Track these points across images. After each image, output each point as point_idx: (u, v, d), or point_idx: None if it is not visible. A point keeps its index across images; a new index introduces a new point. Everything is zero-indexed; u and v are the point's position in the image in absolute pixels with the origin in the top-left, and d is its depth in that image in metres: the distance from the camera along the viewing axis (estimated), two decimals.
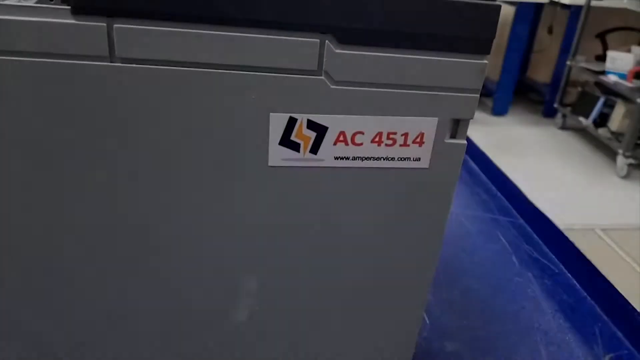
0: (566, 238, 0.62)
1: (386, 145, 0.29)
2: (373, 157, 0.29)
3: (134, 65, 0.25)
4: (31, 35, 0.23)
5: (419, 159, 0.29)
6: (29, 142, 0.26)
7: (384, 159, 0.29)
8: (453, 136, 0.29)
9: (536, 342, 0.50)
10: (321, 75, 0.26)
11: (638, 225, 2.08)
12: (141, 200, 0.28)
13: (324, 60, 0.26)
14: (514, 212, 0.71)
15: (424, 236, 0.32)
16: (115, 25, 0.24)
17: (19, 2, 0.26)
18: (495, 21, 0.26)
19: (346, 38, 0.26)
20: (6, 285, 0.29)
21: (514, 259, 0.62)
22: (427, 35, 0.26)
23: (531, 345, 0.50)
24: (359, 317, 0.35)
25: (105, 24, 0.24)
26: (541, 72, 3.13)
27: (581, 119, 2.64)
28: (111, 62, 0.25)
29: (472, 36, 0.27)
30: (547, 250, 0.64)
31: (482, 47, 0.27)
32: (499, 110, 2.98)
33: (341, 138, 0.28)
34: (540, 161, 2.55)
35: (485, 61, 0.27)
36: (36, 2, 0.26)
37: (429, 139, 0.29)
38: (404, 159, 0.29)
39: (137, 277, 0.30)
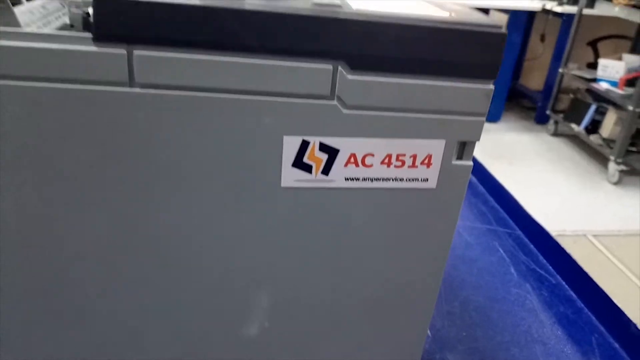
0: (563, 250, 0.63)
1: (395, 166, 0.29)
2: (382, 178, 0.30)
3: (153, 90, 0.25)
4: (54, 63, 0.24)
5: (427, 179, 0.30)
6: (48, 163, 0.26)
7: (392, 180, 0.30)
8: (459, 157, 0.30)
9: (535, 353, 0.51)
10: (334, 100, 0.27)
11: (629, 231, 2.11)
12: (157, 219, 0.28)
13: (337, 85, 0.27)
14: (512, 223, 0.72)
15: (430, 254, 0.33)
16: (135, 53, 0.24)
17: (39, 28, 0.27)
18: (501, 48, 0.27)
19: (358, 65, 0.26)
20: (17, 299, 0.30)
21: (512, 270, 0.63)
22: (435, 62, 0.27)
23: (531, 357, 0.50)
24: (365, 331, 0.35)
25: (125, 51, 0.24)
26: (533, 79, 3.17)
27: (573, 125, 2.67)
28: (130, 87, 0.25)
29: (479, 62, 0.28)
30: (544, 261, 0.65)
31: (488, 73, 0.28)
32: (491, 117, 3.01)
33: (352, 160, 0.29)
34: (532, 167, 2.58)
35: (491, 86, 0.28)
36: (57, 28, 0.26)
37: (437, 160, 0.30)
38: (412, 179, 0.30)
39: (151, 293, 0.31)
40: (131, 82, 0.25)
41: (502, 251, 0.67)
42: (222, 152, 0.27)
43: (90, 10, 0.28)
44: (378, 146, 0.29)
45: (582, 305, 0.58)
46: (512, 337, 0.53)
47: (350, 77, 0.27)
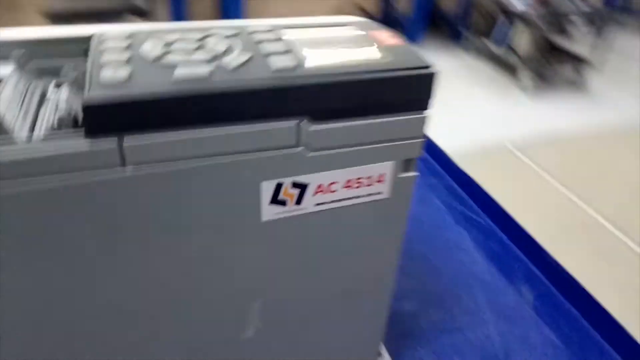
0: (488, 194, 0.73)
1: (355, 187, 0.35)
2: (345, 198, 0.35)
3: (144, 165, 0.29)
4: (49, 164, 0.26)
5: (381, 192, 0.36)
6: (45, 245, 0.29)
7: (354, 198, 0.36)
8: (406, 170, 0.36)
9: (476, 290, 0.61)
10: (300, 147, 0.32)
11: (547, 139, 2.32)
12: (161, 267, 0.33)
13: (301, 136, 0.31)
14: (444, 173, 0.81)
15: (388, 248, 0.39)
16: (125, 143, 0.27)
17: (22, 118, 0.29)
18: (431, 85, 0.33)
19: (318, 117, 0.31)
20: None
21: (448, 218, 0.73)
22: (381, 104, 0.32)
23: (473, 294, 0.61)
24: (337, 322, 0.42)
25: (116, 140, 0.27)
26: (450, 2, 3.24)
27: (489, 44, 2.81)
28: (122, 166, 0.28)
29: (415, 98, 0.33)
30: (475, 206, 0.74)
31: (422, 105, 0.33)
32: (413, 40, 3.08)
33: (320, 189, 0.34)
34: (452, 86, 2.71)
35: (426, 115, 0.34)
36: (37, 105, 0.29)
37: (388, 177, 0.36)
38: (370, 194, 0.36)
39: (158, 313, 0.36)
40: (122, 163, 0.28)
41: (438, 201, 0.76)
42: (212, 204, 0.32)
43: (69, 102, 0.30)
44: (340, 175, 0.34)
45: (509, 241, 0.68)
46: (457, 280, 0.63)
47: (312, 128, 0.31)
